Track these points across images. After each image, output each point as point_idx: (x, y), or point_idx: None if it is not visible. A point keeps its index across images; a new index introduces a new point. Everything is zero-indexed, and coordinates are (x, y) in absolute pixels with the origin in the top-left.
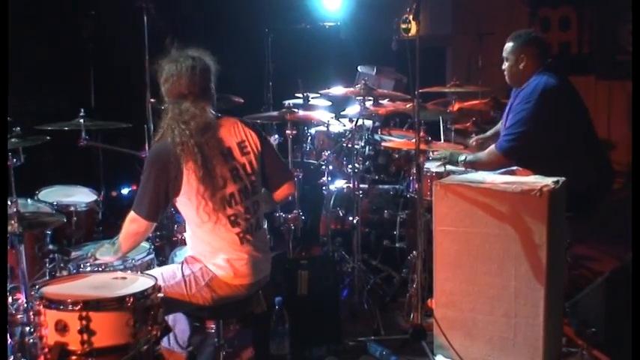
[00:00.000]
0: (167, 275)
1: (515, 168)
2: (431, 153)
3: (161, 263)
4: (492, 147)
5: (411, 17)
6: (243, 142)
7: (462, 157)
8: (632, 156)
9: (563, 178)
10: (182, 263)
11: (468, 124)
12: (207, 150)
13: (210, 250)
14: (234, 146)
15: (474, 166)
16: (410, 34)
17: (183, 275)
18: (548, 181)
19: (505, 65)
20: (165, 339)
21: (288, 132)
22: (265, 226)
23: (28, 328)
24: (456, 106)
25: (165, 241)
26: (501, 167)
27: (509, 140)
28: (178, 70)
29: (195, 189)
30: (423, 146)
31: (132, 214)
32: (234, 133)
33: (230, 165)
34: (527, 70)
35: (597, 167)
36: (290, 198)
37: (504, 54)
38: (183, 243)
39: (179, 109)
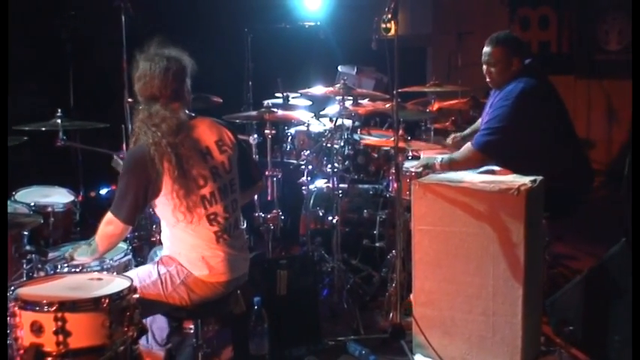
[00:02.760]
0: (143, 275)
1: (495, 168)
2: (407, 162)
3: (139, 264)
4: (468, 144)
5: (389, 17)
6: (221, 141)
7: (438, 159)
8: (632, 156)
9: (541, 177)
10: (157, 262)
11: (448, 123)
12: (183, 150)
13: (185, 248)
14: (213, 145)
15: (451, 166)
16: (389, 34)
17: (159, 274)
18: (526, 180)
19: (488, 69)
20: (143, 339)
21: (267, 132)
22: (244, 225)
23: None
24: (436, 106)
25: (144, 241)
26: (478, 165)
27: (485, 135)
28: (152, 71)
29: (170, 188)
30: (402, 145)
31: (109, 215)
32: (211, 132)
33: (209, 164)
34: (510, 72)
35: (577, 167)
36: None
37: (486, 58)
38: (162, 243)
39: (149, 112)
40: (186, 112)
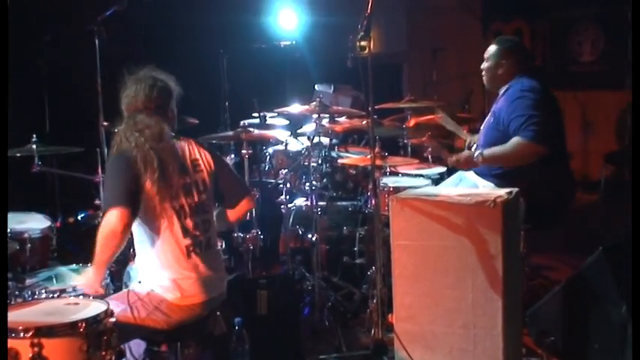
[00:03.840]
0: (113, 304)
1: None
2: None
3: (117, 289)
4: (517, 138)
5: (362, 34)
6: (196, 161)
7: (476, 153)
8: (632, 157)
9: (517, 189)
10: (127, 293)
11: (424, 138)
12: (164, 156)
13: (155, 270)
14: (189, 163)
15: (496, 160)
16: (365, 52)
17: (129, 303)
18: (502, 192)
19: (485, 65)
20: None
21: (244, 152)
22: (220, 247)
23: None
24: (412, 121)
25: (121, 266)
26: (531, 158)
27: (532, 124)
28: (138, 89)
29: (148, 193)
30: (379, 162)
31: (107, 213)
32: (188, 151)
33: (184, 179)
34: (506, 75)
35: (564, 179)
36: (248, 217)
37: (486, 55)
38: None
39: (134, 121)
40: (168, 128)
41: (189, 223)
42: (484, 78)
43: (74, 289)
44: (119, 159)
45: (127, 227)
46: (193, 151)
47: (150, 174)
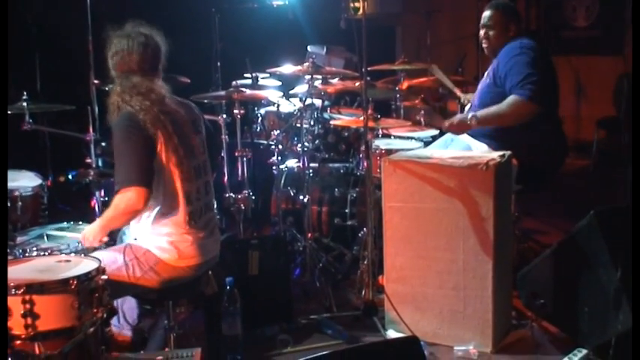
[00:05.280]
0: (108, 260)
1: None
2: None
3: (108, 245)
4: (513, 97)
5: None
6: (196, 122)
7: (469, 115)
8: (632, 157)
9: (509, 152)
10: (124, 248)
11: (417, 101)
12: (177, 117)
13: (154, 234)
14: (189, 124)
15: (490, 121)
16: (358, 14)
17: (125, 261)
18: (495, 155)
19: (486, 33)
20: (114, 319)
21: (235, 112)
22: (215, 208)
23: None
24: (405, 84)
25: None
26: (527, 117)
27: (529, 83)
28: (130, 46)
29: (159, 160)
30: (371, 124)
31: (119, 194)
32: (188, 112)
33: (186, 141)
34: (507, 36)
35: (556, 140)
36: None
37: (485, 21)
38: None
39: (131, 83)
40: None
41: (192, 187)
42: (487, 46)
43: (68, 244)
44: (125, 125)
45: (146, 204)
46: (191, 111)
47: (164, 139)
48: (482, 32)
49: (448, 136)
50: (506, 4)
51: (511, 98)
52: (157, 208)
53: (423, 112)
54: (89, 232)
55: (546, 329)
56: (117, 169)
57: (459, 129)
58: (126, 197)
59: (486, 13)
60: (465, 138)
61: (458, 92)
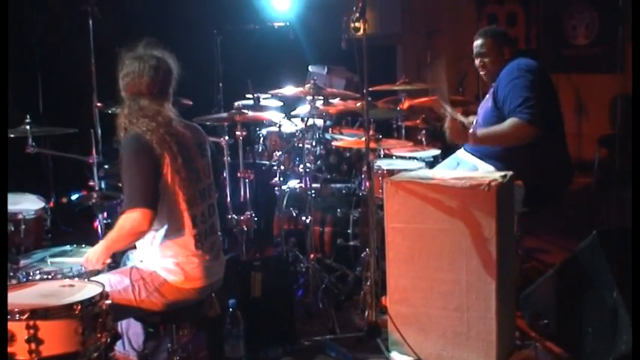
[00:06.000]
0: (114, 282)
1: None
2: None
3: (111, 268)
4: (513, 119)
5: (357, 16)
6: (202, 145)
7: (470, 131)
8: (632, 155)
9: (511, 172)
10: (130, 270)
11: (418, 121)
12: (182, 139)
13: (160, 255)
14: (195, 147)
15: (489, 140)
16: (359, 34)
17: (131, 282)
18: (496, 175)
19: (481, 61)
20: (119, 343)
21: (238, 133)
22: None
23: None
24: (406, 104)
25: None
26: (526, 140)
27: (528, 107)
28: (141, 69)
29: (170, 179)
30: (373, 144)
31: (124, 215)
32: (194, 135)
33: (192, 164)
34: (503, 60)
35: (562, 161)
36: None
37: (477, 50)
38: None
39: (138, 105)
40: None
41: (198, 210)
42: (484, 73)
43: (71, 268)
44: (134, 145)
45: (151, 226)
46: (198, 134)
47: (170, 160)
48: (477, 61)
49: (454, 157)
50: (495, 30)
51: (511, 120)
52: (163, 230)
53: (424, 132)
54: (92, 254)
55: (550, 349)
56: (124, 187)
57: (457, 138)
58: (131, 218)
59: (477, 42)
60: (472, 159)
61: (460, 117)
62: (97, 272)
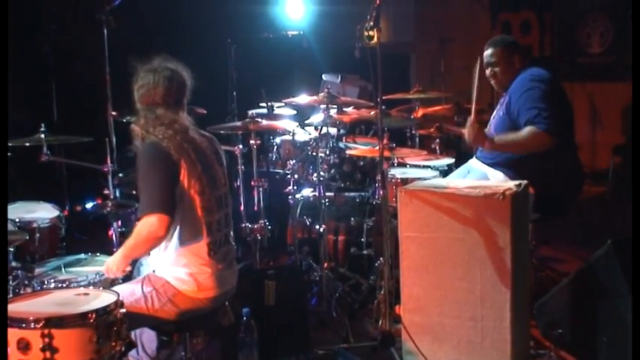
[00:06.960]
0: (126, 294)
1: None
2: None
3: (125, 278)
4: (531, 127)
5: (371, 24)
6: (219, 154)
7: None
8: (633, 156)
9: (526, 181)
10: (143, 280)
11: (432, 129)
12: (200, 146)
13: (173, 264)
14: (212, 155)
15: (505, 146)
16: (372, 42)
17: (143, 293)
18: (511, 184)
19: (492, 71)
20: (133, 351)
21: (252, 142)
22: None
23: None
24: (420, 112)
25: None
26: (542, 148)
27: (545, 117)
28: (155, 80)
29: (187, 185)
30: (386, 153)
31: (141, 221)
32: (209, 144)
33: (210, 171)
34: (514, 69)
35: (572, 168)
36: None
37: (488, 59)
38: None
39: (154, 115)
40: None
41: (214, 217)
42: (495, 82)
43: (86, 277)
44: (152, 152)
45: (168, 232)
46: (214, 144)
47: (188, 167)
48: (487, 71)
49: (466, 166)
50: (505, 39)
51: (530, 129)
52: (177, 237)
53: (438, 140)
54: (112, 262)
55: (564, 359)
56: (141, 193)
57: (475, 140)
58: (148, 223)
59: (488, 52)
60: (482, 167)
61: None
62: (112, 282)
